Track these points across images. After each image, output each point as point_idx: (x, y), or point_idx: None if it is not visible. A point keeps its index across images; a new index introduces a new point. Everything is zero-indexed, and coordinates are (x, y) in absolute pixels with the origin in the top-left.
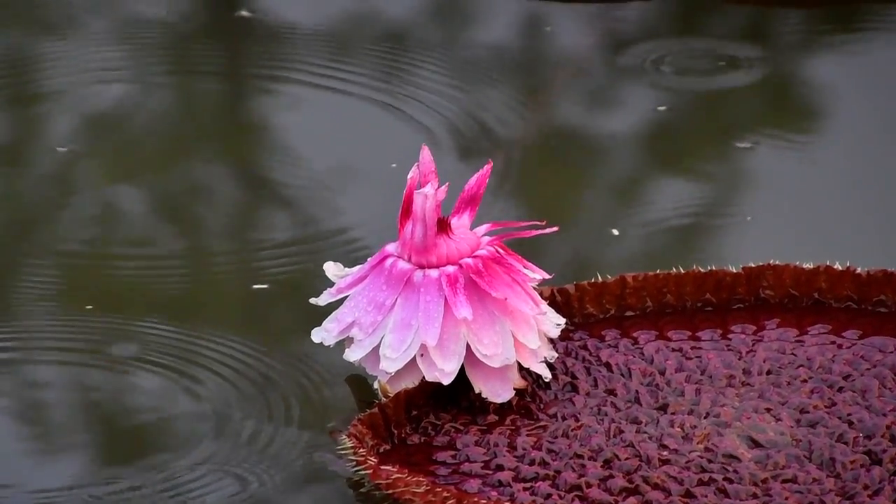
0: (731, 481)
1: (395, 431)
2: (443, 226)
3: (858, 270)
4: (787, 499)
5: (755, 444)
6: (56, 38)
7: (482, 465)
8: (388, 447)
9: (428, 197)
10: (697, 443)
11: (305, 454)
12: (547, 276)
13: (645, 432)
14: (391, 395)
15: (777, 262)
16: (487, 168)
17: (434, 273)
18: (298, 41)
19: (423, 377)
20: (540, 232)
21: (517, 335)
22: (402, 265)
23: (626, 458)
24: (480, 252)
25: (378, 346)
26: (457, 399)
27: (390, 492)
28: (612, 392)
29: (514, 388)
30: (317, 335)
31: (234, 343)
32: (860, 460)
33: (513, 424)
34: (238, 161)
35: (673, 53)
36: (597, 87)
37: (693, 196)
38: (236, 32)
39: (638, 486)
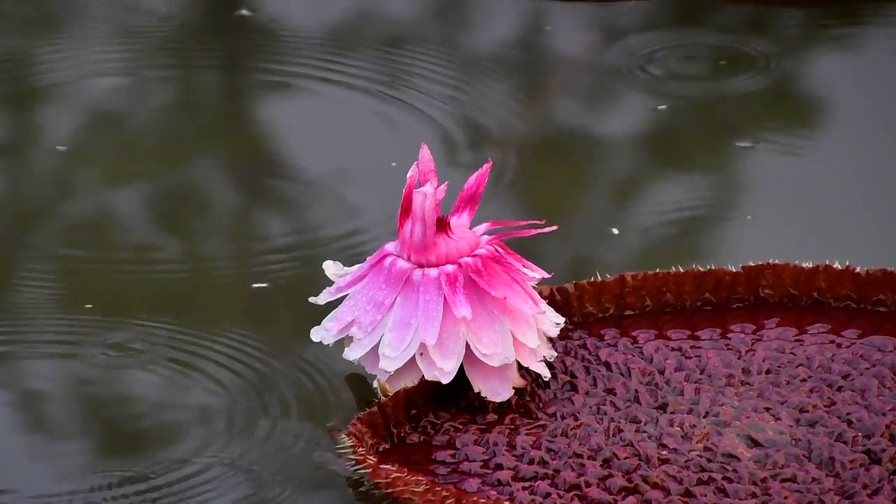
0: (730, 480)
1: (395, 430)
2: (442, 225)
3: (858, 270)
4: (786, 498)
5: (754, 443)
6: (56, 37)
7: (481, 464)
8: (387, 446)
9: (427, 196)
10: (697, 442)
11: (305, 453)
12: (546, 275)
13: (644, 431)
14: (390, 394)
15: (776, 262)
16: (487, 167)
17: (433, 272)
18: (298, 40)
19: (423, 376)
20: (539, 231)
21: (516, 334)
22: (402, 264)
23: (626, 458)
24: (480, 251)
25: (377, 345)
26: (456, 398)
27: (389, 491)
28: (611, 391)
29: (514, 388)
30: (316, 334)
31: (234, 342)
32: (859, 459)
33: (512, 423)
34: (237, 160)
35: (673, 52)
36: (596, 85)
37: (693, 195)
38: (236, 31)
39: (637, 486)
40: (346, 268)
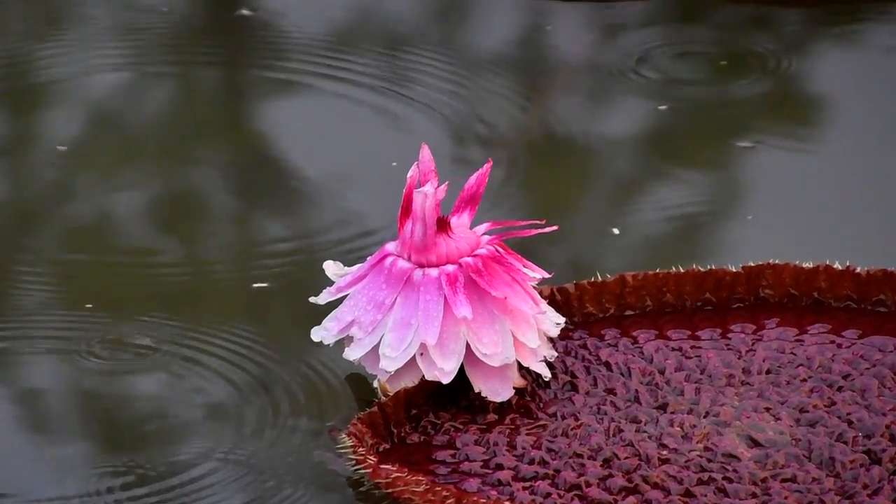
0: (730, 480)
1: (395, 430)
2: (442, 225)
3: (858, 270)
4: (786, 498)
5: (755, 443)
6: (55, 36)
7: (482, 464)
8: (387, 446)
9: (427, 196)
10: (697, 442)
11: (305, 453)
12: (546, 275)
13: (644, 431)
14: (391, 394)
15: (777, 262)
16: (487, 167)
17: (434, 272)
18: (299, 40)
19: (423, 376)
20: (540, 231)
21: (517, 334)
22: (402, 264)
23: (626, 458)
24: (480, 251)
25: (378, 345)
26: (456, 398)
27: (390, 491)
28: (611, 391)
29: (514, 388)
30: (316, 334)
31: (234, 342)
32: (859, 460)
33: (512, 423)
34: (238, 159)
35: (673, 52)
36: (597, 85)
37: (693, 195)
38: (236, 31)
39: (637, 486)
40: (346, 268)
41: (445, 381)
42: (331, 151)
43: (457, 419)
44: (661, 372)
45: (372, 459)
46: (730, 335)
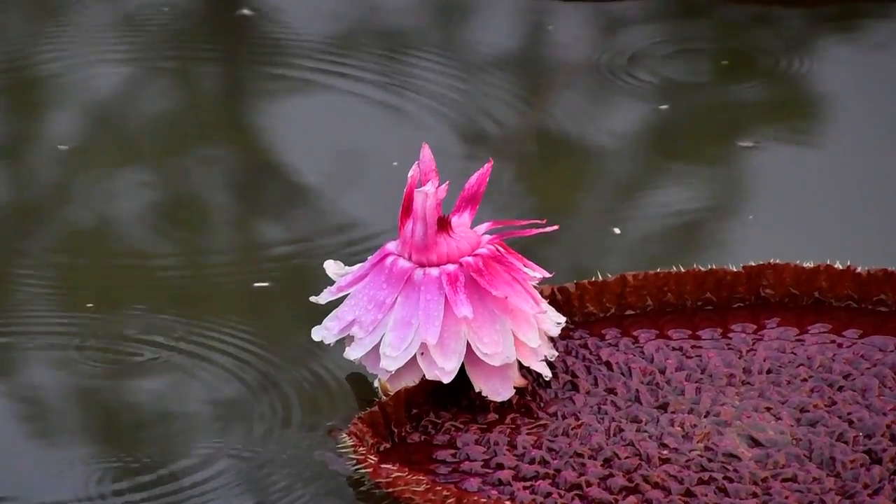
0: (731, 480)
1: (396, 430)
2: (443, 224)
3: (859, 270)
4: (787, 498)
5: (755, 443)
6: (55, 35)
7: (482, 463)
8: (388, 446)
9: (428, 195)
10: (697, 442)
11: (305, 453)
12: (547, 275)
13: (645, 431)
14: (391, 394)
15: (777, 261)
16: (488, 166)
17: (434, 271)
18: (299, 39)
19: (424, 376)
20: (540, 230)
21: (517, 334)
22: (403, 263)
23: (627, 457)
24: (481, 250)
25: (378, 345)
26: (457, 398)
27: (390, 490)
28: (612, 391)
29: (515, 387)
30: (317, 333)
31: (235, 341)
32: (860, 459)
33: (513, 423)
34: (238, 159)
35: (674, 51)
36: (598, 85)
37: (694, 195)
38: (237, 31)
39: (638, 485)
40: (346, 267)
41: (446, 380)
42: (331, 150)
43: (457, 419)
44: (662, 371)
45: (372, 459)
46: (730, 335)
